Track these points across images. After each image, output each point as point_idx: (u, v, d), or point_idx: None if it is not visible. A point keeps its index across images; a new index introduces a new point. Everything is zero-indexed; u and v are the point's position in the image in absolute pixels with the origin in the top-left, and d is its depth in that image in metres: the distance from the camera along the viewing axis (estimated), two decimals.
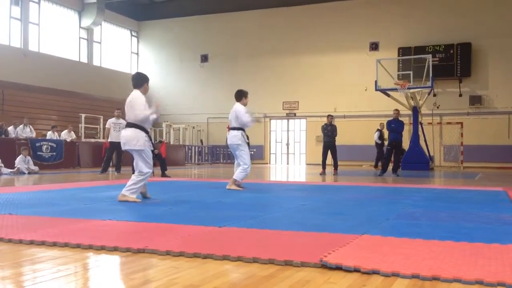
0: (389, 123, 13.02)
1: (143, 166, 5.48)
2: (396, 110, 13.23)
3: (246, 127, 7.66)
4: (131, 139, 5.44)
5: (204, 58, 25.74)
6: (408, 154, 15.91)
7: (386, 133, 14.66)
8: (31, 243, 3.19)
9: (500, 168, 19.14)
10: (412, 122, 16.57)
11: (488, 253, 2.84)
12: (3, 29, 19.58)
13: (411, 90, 15.94)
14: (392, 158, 13.06)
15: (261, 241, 3.23)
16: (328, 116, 13.88)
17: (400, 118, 13.07)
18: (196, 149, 23.46)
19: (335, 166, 13.60)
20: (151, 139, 5.60)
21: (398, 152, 13.13)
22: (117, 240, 3.17)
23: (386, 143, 14.71)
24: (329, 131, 13.45)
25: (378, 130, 17.28)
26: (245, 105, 7.68)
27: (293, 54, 23.78)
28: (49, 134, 15.98)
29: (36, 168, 12.98)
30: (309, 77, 23.43)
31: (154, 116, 5.55)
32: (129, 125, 5.53)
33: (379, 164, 16.49)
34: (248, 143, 7.64)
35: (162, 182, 9.25)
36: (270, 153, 24.74)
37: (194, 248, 2.91)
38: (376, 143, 17.27)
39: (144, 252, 2.94)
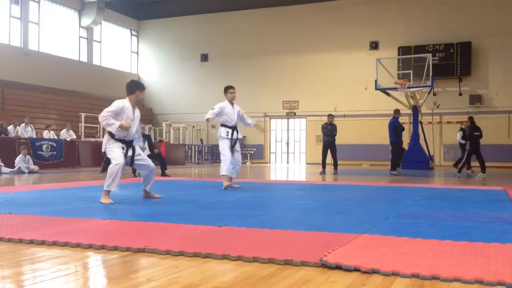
0: (398, 122, 13.02)
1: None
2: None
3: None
4: None
5: (204, 58, 25.73)
6: (408, 153, 15.93)
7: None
8: (31, 242, 3.19)
9: (500, 167, 19.12)
10: (412, 121, 16.56)
11: (488, 253, 2.84)
12: (3, 28, 19.57)
13: (411, 89, 15.95)
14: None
15: (261, 240, 3.23)
16: (329, 115, 13.89)
17: (400, 118, 13.15)
18: (196, 149, 23.45)
19: (335, 165, 13.60)
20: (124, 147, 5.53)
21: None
22: (117, 240, 3.17)
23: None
24: (329, 131, 13.46)
25: (461, 129, 15.65)
26: (229, 100, 7.57)
27: (293, 53, 23.77)
28: (45, 133, 15.99)
29: (36, 168, 12.99)
30: (309, 76, 23.43)
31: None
32: None
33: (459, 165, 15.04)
34: (227, 138, 7.81)
35: (162, 181, 9.24)
36: (270, 152, 24.73)
37: (194, 248, 2.91)
38: (460, 143, 15.79)
39: (144, 251, 2.94)
